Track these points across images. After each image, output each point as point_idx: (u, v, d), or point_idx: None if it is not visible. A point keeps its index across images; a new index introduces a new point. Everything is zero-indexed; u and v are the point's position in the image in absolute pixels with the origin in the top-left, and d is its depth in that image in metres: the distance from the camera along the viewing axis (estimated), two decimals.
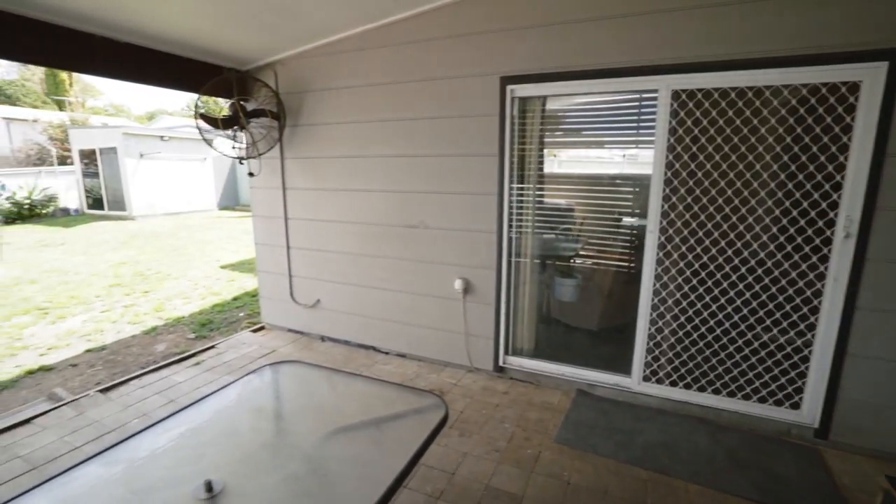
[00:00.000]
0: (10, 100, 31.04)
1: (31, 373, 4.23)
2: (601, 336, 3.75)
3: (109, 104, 40.85)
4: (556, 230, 3.49)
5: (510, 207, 3.27)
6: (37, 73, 33.22)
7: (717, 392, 2.90)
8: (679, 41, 2.60)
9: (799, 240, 2.57)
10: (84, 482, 1.35)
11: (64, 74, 29.40)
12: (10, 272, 7.82)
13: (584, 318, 3.80)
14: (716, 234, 2.80)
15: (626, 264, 3.65)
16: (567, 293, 3.73)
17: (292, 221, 4.10)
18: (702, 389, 2.94)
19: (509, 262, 3.35)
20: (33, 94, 32.69)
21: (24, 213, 13.79)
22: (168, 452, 1.47)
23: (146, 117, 40.04)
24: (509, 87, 3.10)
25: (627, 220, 3.30)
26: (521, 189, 3.28)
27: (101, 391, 3.39)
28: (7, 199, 13.49)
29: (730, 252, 2.77)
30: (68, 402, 3.22)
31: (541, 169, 3.37)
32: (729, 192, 2.72)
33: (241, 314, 5.64)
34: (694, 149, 2.74)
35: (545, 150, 3.38)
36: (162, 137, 15.48)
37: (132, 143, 14.45)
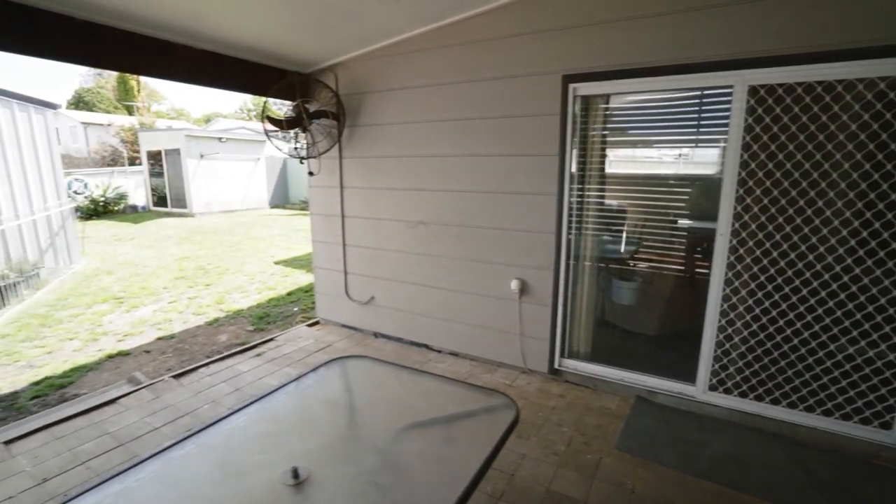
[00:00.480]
0: (88, 106, 33.77)
1: (111, 357, 4.59)
2: (661, 341, 3.61)
3: (171, 108, 43.54)
4: (614, 232, 3.40)
5: (569, 208, 3.21)
6: (110, 80, 35.94)
7: (792, 406, 2.73)
8: (757, 33, 2.46)
9: (894, 245, 2.37)
10: (181, 462, 1.44)
11: (133, 81, 31.62)
12: (91, 264, 8.51)
13: (644, 323, 3.67)
14: (795, 238, 2.62)
15: (688, 268, 3.50)
16: (625, 296, 3.62)
17: (349, 219, 4.21)
18: (775, 402, 2.77)
19: (567, 264, 3.29)
20: (107, 100, 35.41)
21: (100, 210, 14.95)
22: (254, 438, 1.55)
23: (203, 120, 42.41)
24: (572, 86, 3.05)
25: (691, 222, 3.16)
26: (581, 189, 3.22)
27: (174, 377, 3.61)
28: (86, 196, 14.67)
29: (811, 257, 2.59)
30: (146, 386, 3.45)
31: (601, 169, 3.29)
32: (812, 193, 2.55)
33: (296, 309, 5.86)
34: (772, 147, 2.59)
35: (607, 150, 3.29)
36: (220, 139, 16.34)
37: (193, 145, 15.35)
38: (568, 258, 3.29)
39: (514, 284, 3.43)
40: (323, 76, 4.02)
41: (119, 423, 2.96)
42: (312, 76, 4.01)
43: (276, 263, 8.53)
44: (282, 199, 18.84)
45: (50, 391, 3.90)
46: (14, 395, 3.83)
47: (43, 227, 7.77)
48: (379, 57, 3.77)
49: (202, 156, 15.51)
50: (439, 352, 3.95)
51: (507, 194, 3.39)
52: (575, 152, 3.16)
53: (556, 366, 3.45)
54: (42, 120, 7.76)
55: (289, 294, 6.51)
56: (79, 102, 35.02)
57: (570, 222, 3.24)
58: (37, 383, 4.04)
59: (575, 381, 3.42)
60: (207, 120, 40.25)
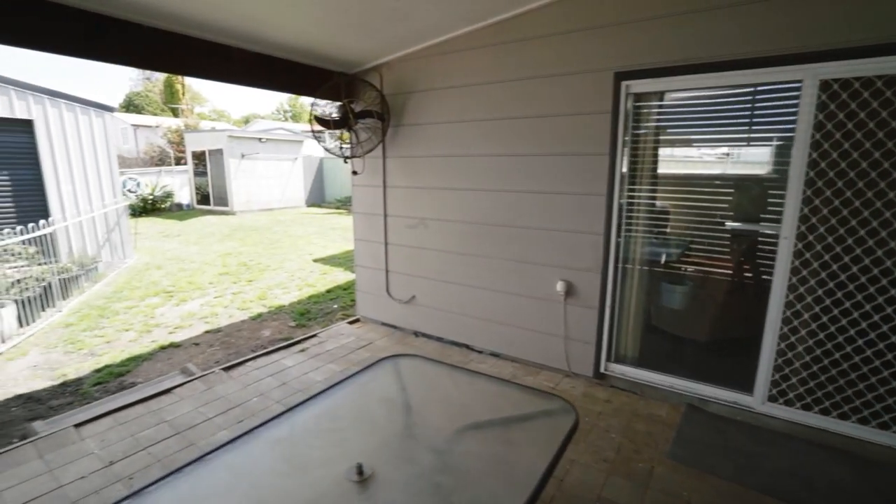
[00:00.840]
0: (137, 109, 35.56)
1: (163, 348, 4.80)
2: (714, 348, 3.46)
3: (212, 110, 45.23)
4: (664, 234, 3.28)
5: (619, 209, 3.13)
6: (157, 84, 37.70)
7: (863, 421, 2.56)
8: (829, 23, 2.31)
9: None
10: (249, 454, 1.48)
11: (178, 85, 33.03)
12: (142, 259, 8.94)
13: (694, 328, 3.53)
14: (870, 242, 2.46)
15: (743, 272, 3.34)
16: (675, 300, 3.49)
17: (391, 218, 4.25)
18: (843, 417, 2.61)
19: (616, 266, 3.21)
20: (154, 103, 37.16)
21: (148, 207, 15.71)
22: (316, 433, 1.57)
23: (242, 121, 43.86)
24: (624, 83, 2.96)
25: (746, 224, 3.02)
26: (632, 190, 3.13)
27: (224, 369, 3.74)
28: (137, 195, 15.45)
29: (888, 263, 2.42)
30: (199, 377, 3.59)
31: (653, 169, 3.18)
32: (891, 194, 2.38)
33: (335, 306, 5.96)
34: (846, 145, 2.43)
35: (659, 149, 3.18)
36: (260, 139, 16.85)
37: (235, 145, 15.89)
38: (616, 260, 3.21)
39: (560, 286, 3.37)
40: (368, 76, 4.07)
41: (175, 412, 3.09)
42: (358, 76, 4.06)
43: (315, 261, 8.71)
44: (318, 197, 19.26)
45: (110, 378, 4.11)
46: (79, 381, 4.07)
47: (101, 224, 8.22)
48: (424, 57, 3.79)
49: (243, 156, 16.04)
50: (480, 352, 3.93)
51: (554, 195, 3.33)
52: (626, 151, 3.08)
53: (601, 370, 3.37)
54: (101, 122, 8.21)
55: (328, 291, 6.64)
56: (129, 105, 36.92)
57: (619, 224, 3.16)
58: (98, 371, 4.27)
59: (621, 387, 3.33)
60: (246, 121, 41.64)
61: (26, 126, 7.22)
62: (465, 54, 3.57)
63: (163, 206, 16.44)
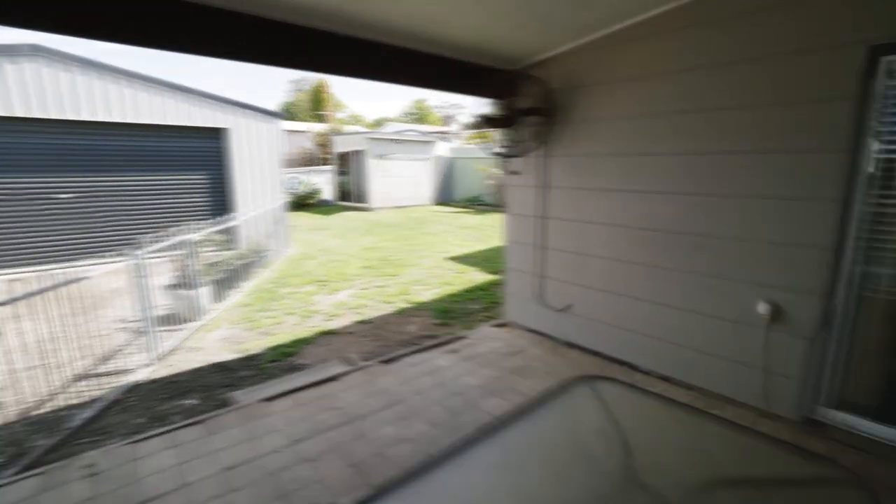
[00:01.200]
0: (291, 116, 40.63)
1: (322, 334, 5.21)
2: None
3: (349, 115, 49.70)
4: None
5: (860, 218, 2.49)
6: (306, 94, 42.61)
7: None
8: None
9: None
10: (467, 480, 1.37)
11: (324, 94, 36.86)
12: (298, 250, 10.03)
13: None
14: None
15: None
16: None
17: (551, 221, 4.01)
18: None
19: (848, 289, 2.56)
20: (304, 111, 42.10)
21: (300, 203, 17.73)
22: (534, 464, 1.42)
23: (374, 124, 47.40)
24: (884, 59, 2.33)
25: None
26: (883, 195, 2.45)
27: (382, 363, 3.88)
28: (296, 192, 17.58)
29: None
30: (360, 369, 3.78)
31: None
32: None
33: (476, 307, 5.94)
34: None
35: None
36: (396, 141, 17.91)
37: (374, 146, 17.11)
38: (850, 282, 2.56)
39: (763, 308, 2.81)
40: (533, 71, 3.88)
41: (344, 400, 3.26)
42: (522, 72, 3.91)
43: (450, 259, 8.88)
44: (446, 196, 19.82)
45: (282, 357, 4.58)
46: (258, 357, 4.60)
47: (270, 217, 9.41)
48: (598, 47, 3.48)
49: (381, 156, 17.20)
50: (647, 373, 3.51)
51: (758, 199, 2.79)
52: (875, 146, 2.42)
53: (813, 415, 2.74)
54: (273, 129, 9.39)
55: (467, 291, 6.66)
56: (284, 112, 42.37)
57: (858, 236, 2.51)
58: (272, 349, 4.79)
59: (844, 441, 2.66)
60: (378, 124, 44.89)
61: (218, 133, 8.55)
62: (653, 40, 3.18)
63: (310, 201, 18.42)
